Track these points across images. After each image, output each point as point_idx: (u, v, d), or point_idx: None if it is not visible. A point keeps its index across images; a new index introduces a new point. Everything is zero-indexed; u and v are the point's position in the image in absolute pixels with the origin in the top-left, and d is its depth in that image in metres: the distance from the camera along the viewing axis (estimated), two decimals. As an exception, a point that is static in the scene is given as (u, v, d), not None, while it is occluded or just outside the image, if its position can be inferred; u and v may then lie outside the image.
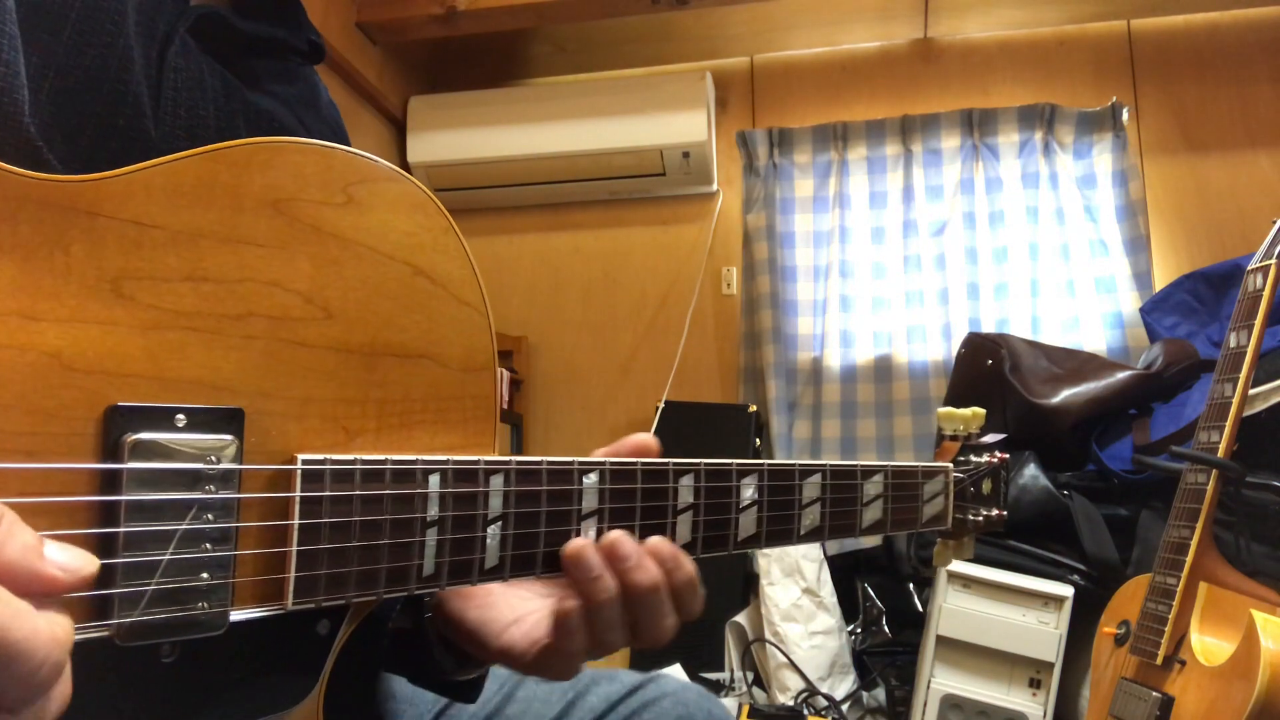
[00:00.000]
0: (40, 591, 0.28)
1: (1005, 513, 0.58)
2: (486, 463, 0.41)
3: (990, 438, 0.59)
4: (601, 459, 0.45)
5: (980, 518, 0.57)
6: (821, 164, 2.26)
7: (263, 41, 0.55)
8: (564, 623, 0.43)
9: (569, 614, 0.43)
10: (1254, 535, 1.26)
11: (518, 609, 0.48)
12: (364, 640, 0.52)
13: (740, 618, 1.84)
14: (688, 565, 0.45)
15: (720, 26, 2.27)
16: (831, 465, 0.52)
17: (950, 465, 0.58)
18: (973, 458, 0.58)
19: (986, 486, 0.57)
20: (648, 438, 0.48)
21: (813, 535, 0.51)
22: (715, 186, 2.37)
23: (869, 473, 0.53)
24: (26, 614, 0.26)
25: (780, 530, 0.50)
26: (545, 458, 0.43)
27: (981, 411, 0.58)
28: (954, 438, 0.58)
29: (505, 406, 2.17)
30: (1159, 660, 1.09)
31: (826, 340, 2.18)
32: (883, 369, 2.18)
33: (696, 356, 2.33)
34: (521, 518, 0.42)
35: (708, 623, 1.89)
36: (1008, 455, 0.59)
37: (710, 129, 2.23)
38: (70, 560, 0.29)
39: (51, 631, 0.27)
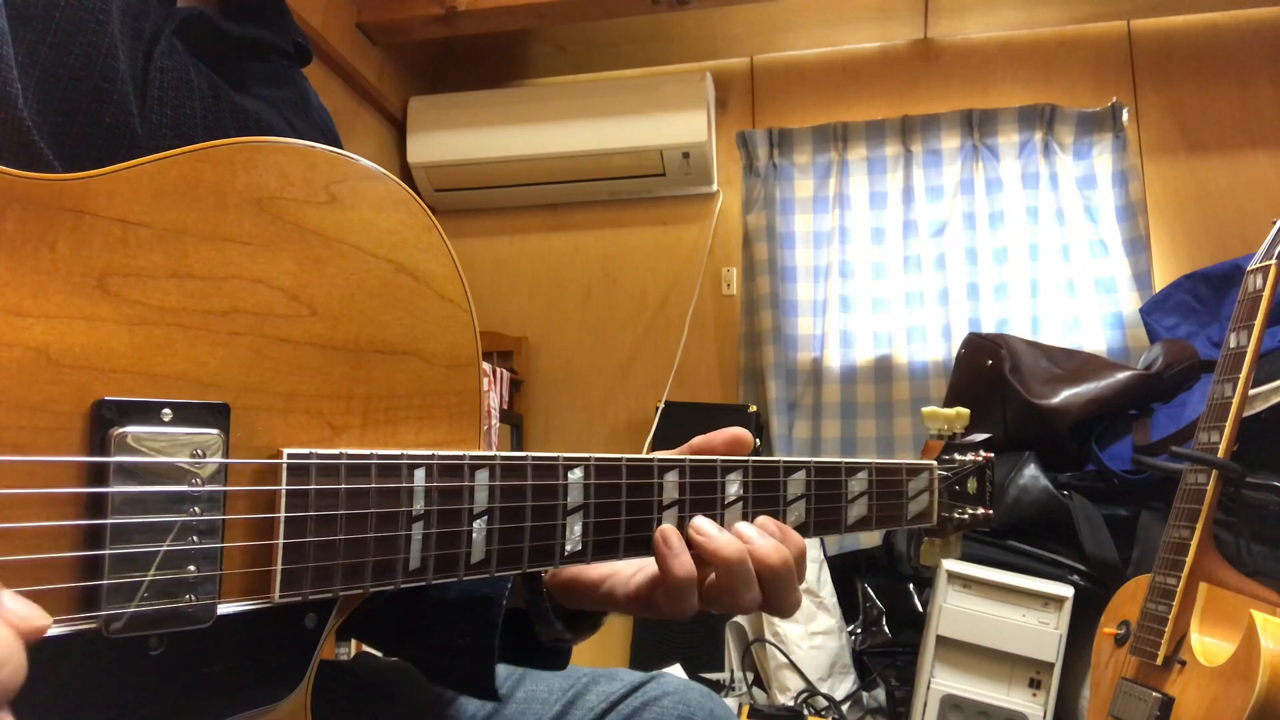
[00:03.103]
0: None
1: (991, 511, 0.58)
2: (472, 458, 0.42)
3: (975, 437, 0.59)
4: (586, 454, 0.45)
5: (966, 516, 0.57)
6: (821, 164, 2.26)
7: (248, 43, 0.55)
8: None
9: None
10: (1254, 535, 1.26)
11: (638, 562, 0.52)
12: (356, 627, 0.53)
13: (740, 618, 1.83)
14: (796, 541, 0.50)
15: (720, 26, 2.27)
16: (816, 462, 0.52)
17: (934, 463, 0.58)
18: (957, 456, 0.59)
19: (971, 485, 0.58)
20: (742, 431, 0.51)
21: (798, 532, 0.51)
22: (715, 187, 2.38)
23: (853, 469, 0.54)
24: None
25: (766, 526, 0.50)
26: (530, 453, 0.43)
27: (966, 411, 0.58)
28: (939, 437, 0.58)
29: (505, 407, 2.18)
30: (1159, 660, 1.09)
31: (826, 341, 2.18)
32: (883, 369, 2.17)
33: (696, 357, 2.33)
34: (506, 512, 0.43)
35: (708, 623, 1.89)
36: (993, 454, 0.59)
37: (710, 129, 2.23)
38: (23, 610, 0.28)
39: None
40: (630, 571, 0.52)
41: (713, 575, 0.48)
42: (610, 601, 0.53)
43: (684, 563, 0.46)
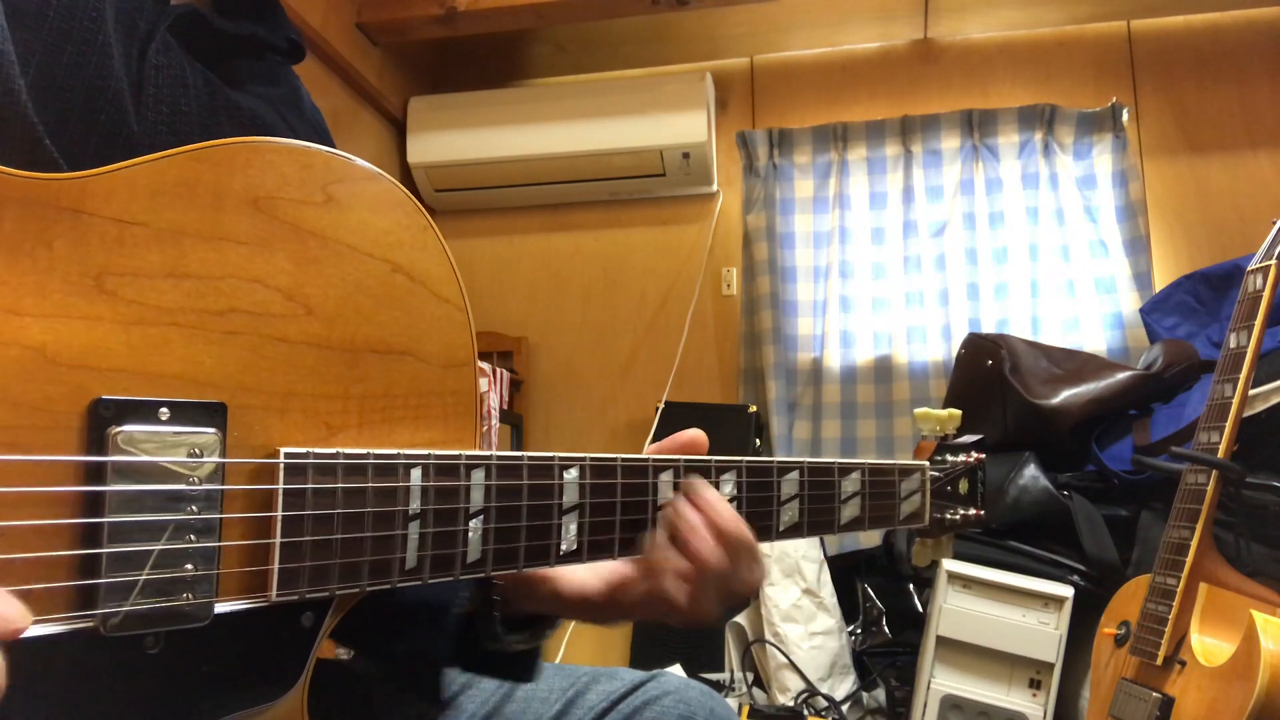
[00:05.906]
0: None
1: (982, 512, 0.58)
2: (468, 457, 0.42)
3: (967, 438, 0.59)
4: (581, 454, 0.45)
5: (957, 516, 0.57)
6: (821, 164, 2.26)
7: (242, 40, 0.56)
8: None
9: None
10: (1254, 536, 1.25)
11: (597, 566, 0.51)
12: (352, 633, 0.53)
13: (740, 618, 1.84)
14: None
15: (720, 27, 2.27)
16: (809, 462, 0.52)
17: (926, 464, 0.58)
18: (949, 457, 0.59)
19: (963, 486, 0.58)
20: (697, 433, 0.50)
21: (792, 531, 0.52)
22: (715, 187, 2.38)
23: (846, 470, 0.54)
24: None
25: (760, 526, 0.51)
26: (526, 453, 0.44)
27: (958, 412, 0.58)
28: (932, 437, 0.59)
29: (505, 407, 2.18)
30: (1159, 661, 1.09)
31: (826, 341, 2.18)
32: (883, 369, 2.18)
33: (696, 357, 2.33)
34: (503, 512, 0.43)
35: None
36: (984, 456, 0.59)
37: (710, 129, 2.23)
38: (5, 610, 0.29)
39: None
40: (587, 573, 0.51)
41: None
42: (555, 601, 0.52)
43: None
